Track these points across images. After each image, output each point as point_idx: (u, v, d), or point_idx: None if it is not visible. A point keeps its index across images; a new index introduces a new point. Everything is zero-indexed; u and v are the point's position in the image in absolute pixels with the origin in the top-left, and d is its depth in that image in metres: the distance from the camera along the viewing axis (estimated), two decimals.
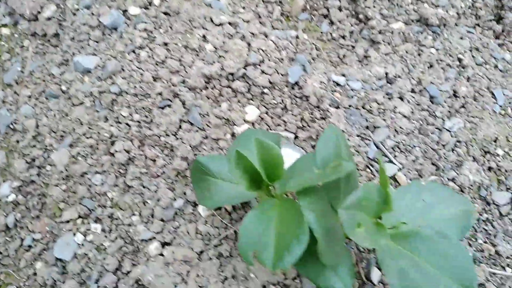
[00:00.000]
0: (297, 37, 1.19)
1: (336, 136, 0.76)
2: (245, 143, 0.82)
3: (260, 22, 1.21)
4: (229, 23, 1.17)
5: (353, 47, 1.23)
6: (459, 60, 1.17)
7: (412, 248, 0.67)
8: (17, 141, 1.13)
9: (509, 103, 1.11)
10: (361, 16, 1.27)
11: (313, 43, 1.21)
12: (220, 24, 1.17)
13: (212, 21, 1.17)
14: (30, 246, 1.03)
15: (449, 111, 1.08)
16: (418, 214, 0.74)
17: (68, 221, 1.02)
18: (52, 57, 1.22)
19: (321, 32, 1.26)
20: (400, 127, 1.05)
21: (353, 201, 0.62)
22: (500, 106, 1.10)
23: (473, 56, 1.18)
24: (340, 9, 1.29)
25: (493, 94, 1.12)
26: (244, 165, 0.70)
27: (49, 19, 1.27)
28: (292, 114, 1.08)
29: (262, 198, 0.77)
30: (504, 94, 1.11)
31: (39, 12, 1.28)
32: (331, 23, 1.28)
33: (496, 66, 1.18)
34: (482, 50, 1.20)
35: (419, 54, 1.19)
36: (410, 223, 0.72)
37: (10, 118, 1.16)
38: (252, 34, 1.15)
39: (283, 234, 0.66)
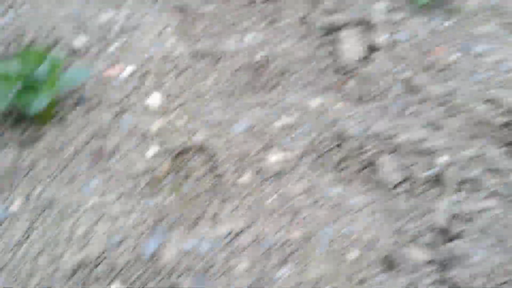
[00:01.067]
0: (157, 205, 1.36)
1: None
2: None
3: (126, 197, 1.38)
4: (96, 206, 1.34)
5: (208, 204, 1.40)
6: (294, 204, 1.34)
7: None
8: None
9: (338, 237, 1.26)
10: (218, 171, 1.45)
11: (173, 208, 1.38)
12: (92, 208, 1.34)
13: (79, 207, 1.35)
14: None
15: (281, 259, 1.23)
16: None
17: None
18: None
19: (182, 192, 1.43)
20: (238, 286, 1.19)
21: None
22: (329, 243, 1.25)
23: (306, 199, 1.35)
24: (201, 166, 1.48)
25: (321, 232, 1.27)
26: None
27: None
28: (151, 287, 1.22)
29: None
30: (332, 231, 1.26)
31: None
32: (191, 182, 1.46)
33: (323, 204, 1.34)
34: (315, 190, 1.37)
35: (262, 205, 1.35)
36: None
37: None
38: (116, 213, 1.32)
39: None
